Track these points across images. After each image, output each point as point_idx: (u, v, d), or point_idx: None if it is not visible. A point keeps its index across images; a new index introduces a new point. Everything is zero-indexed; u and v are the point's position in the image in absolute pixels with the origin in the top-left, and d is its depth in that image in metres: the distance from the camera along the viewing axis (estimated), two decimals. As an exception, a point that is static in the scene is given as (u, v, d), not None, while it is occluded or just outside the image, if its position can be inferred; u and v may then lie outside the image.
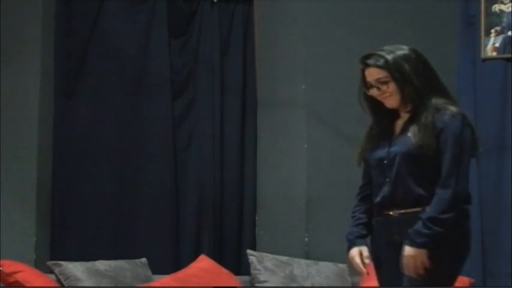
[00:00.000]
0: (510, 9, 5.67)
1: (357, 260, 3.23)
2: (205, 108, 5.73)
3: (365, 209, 3.31)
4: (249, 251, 5.23)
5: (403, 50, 3.18)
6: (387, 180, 3.16)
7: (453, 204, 3.07)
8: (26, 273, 4.58)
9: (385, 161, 3.17)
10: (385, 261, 3.22)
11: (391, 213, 3.17)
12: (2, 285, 4.52)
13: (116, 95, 5.60)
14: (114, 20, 5.62)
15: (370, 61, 3.19)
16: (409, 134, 3.14)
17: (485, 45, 5.71)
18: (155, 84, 5.64)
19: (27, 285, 4.50)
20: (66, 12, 5.54)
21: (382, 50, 3.19)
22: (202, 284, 4.91)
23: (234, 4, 5.84)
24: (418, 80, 3.14)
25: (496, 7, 5.69)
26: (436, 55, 5.58)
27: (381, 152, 3.19)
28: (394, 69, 3.14)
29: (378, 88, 3.18)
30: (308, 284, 5.07)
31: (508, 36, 5.64)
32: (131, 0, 5.65)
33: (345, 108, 5.49)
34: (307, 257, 5.25)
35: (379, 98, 3.21)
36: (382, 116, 3.25)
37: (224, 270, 5.11)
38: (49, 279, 4.69)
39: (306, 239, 5.37)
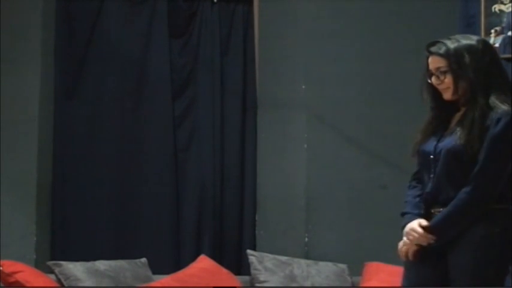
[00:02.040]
0: (510, 10, 5.64)
1: (415, 226, 3.11)
2: (205, 108, 5.73)
3: (415, 194, 3.24)
4: (249, 251, 5.25)
5: (469, 40, 3.13)
6: (431, 176, 3.14)
7: (471, 205, 3.04)
8: (26, 273, 4.58)
9: (432, 156, 3.15)
10: (420, 262, 3.16)
11: (432, 211, 3.14)
12: (2, 285, 4.53)
13: (116, 95, 5.61)
14: (114, 20, 5.64)
15: (433, 48, 3.15)
16: (457, 131, 3.10)
17: None
18: (155, 84, 5.65)
19: (28, 285, 4.51)
20: (66, 12, 5.56)
21: (450, 38, 3.15)
22: (202, 284, 4.91)
23: (234, 4, 5.84)
24: (476, 74, 3.08)
25: (496, 7, 5.66)
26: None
27: (430, 146, 3.16)
28: (454, 60, 3.09)
29: (438, 77, 3.14)
30: (308, 284, 5.06)
31: (508, 37, 5.61)
32: (131, 0, 5.66)
33: (345, 108, 5.52)
34: (307, 257, 5.26)
35: (439, 88, 3.16)
36: (442, 108, 3.20)
37: (224, 270, 5.12)
38: (49, 279, 4.69)
39: (306, 239, 5.37)
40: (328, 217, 5.31)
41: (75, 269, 4.76)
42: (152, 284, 4.86)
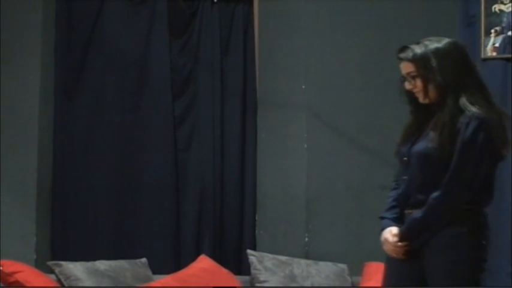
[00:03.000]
0: (510, 9, 5.66)
1: (387, 235, 3.18)
2: (206, 108, 5.73)
3: (396, 198, 3.27)
4: (249, 251, 5.25)
5: (437, 43, 3.16)
6: (404, 178, 3.18)
7: (442, 211, 3.07)
8: (26, 273, 4.58)
9: (405, 158, 3.18)
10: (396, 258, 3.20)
11: (406, 212, 3.18)
12: (2, 285, 4.53)
13: (116, 94, 5.62)
14: (115, 20, 5.64)
15: (402, 54, 3.17)
16: (430, 134, 3.11)
17: (485, 46, 5.70)
18: (155, 84, 5.66)
19: (28, 285, 4.50)
20: (66, 11, 5.55)
21: (418, 43, 3.17)
22: (203, 284, 4.90)
23: (234, 4, 5.84)
24: (443, 76, 3.09)
25: (496, 7, 5.67)
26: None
27: (405, 149, 3.20)
28: (420, 64, 3.12)
29: (410, 82, 3.16)
30: (308, 283, 5.07)
31: (508, 36, 5.64)
32: (131, 0, 5.67)
33: (345, 108, 5.53)
34: (307, 257, 5.26)
35: (414, 92, 3.18)
36: (421, 112, 3.21)
37: (224, 270, 5.12)
38: (49, 279, 4.69)
39: (306, 239, 5.39)
40: (328, 217, 5.31)
41: (75, 269, 4.75)
42: (152, 284, 4.85)
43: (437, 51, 3.12)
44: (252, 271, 5.09)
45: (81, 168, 5.51)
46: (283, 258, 5.17)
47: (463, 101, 3.06)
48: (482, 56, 5.68)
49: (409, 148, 3.17)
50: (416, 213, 3.09)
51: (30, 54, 5.38)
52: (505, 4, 5.66)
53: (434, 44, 3.15)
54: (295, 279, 5.05)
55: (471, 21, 5.73)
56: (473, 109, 3.04)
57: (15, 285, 4.51)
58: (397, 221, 3.19)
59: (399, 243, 3.13)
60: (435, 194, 3.04)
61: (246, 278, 5.14)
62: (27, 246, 5.16)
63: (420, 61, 3.11)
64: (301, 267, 5.14)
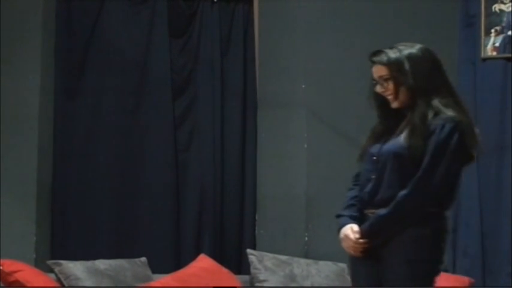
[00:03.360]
0: (510, 9, 5.69)
1: (348, 231, 3.20)
2: (206, 108, 5.74)
3: (352, 196, 3.31)
4: (249, 251, 5.25)
5: (410, 49, 3.20)
6: (373, 177, 3.19)
7: (407, 203, 3.09)
8: (26, 272, 4.57)
9: (375, 158, 3.20)
10: (358, 258, 3.22)
11: (366, 212, 3.20)
12: (2, 284, 4.54)
13: (116, 95, 5.62)
14: (115, 19, 5.64)
15: (376, 58, 3.22)
16: (401, 135, 3.15)
17: (485, 45, 5.73)
18: (155, 83, 5.66)
19: (28, 284, 4.49)
20: (66, 11, 5.55)
21: (392, 48, 3.21)
22: (202, 283, 4.90)
23: (234, 4, 5.84)
24: (416, 80, 3.14)
25: (496, 7, 5.71)
26: (437, 55, 5.66)
27: (375, 149, 3.22)
28: (394, 68, 3.16)
29: (382, 85, 3.20)
30: (308, 283, 5.07)
31: (508, 36, 5.67)
32: (131, 0, 5.67)
33: (345, 108, 5.54)
34: (306, 257, 5.26)
35: (385, 96, 3.23)
36: (389, 115, 3.25)
37: (224, 270, 5.12)
38: (49, 279, 4.68)
39: (306, 238, 5.39)
40: (328, 217, 5.22)
41: (75, 268, 4.74)
42: (152, 283, 4.86)
43: (410, 56, 3.16)
44: (252, 270, 5.10)
45: (81, 168, 5.51)
46: (283, 257, 5.17)
47: (436, 103, 3.12)
48: (483, 55, 5.72)
49: (379, 148, 3.19)
50: (381, 210, 3.11)
51: (30, 55, 5.38)
52: (505, 4, 5.69)
53: (408, 49, 3.19)
54: (295, 279, 5.06)
55: (471, 21, 5.76)
56: (449, 112, 3.09)
57: (15, 285, 4.50)
58: (355, 219, 3.22)
59: (360, 240, 3.15)
60: (403, 192, 3.07)
61: (246, 277, 5.15)
62: (27, 246, 5.16)
63: (394, 65, 3.16)
64: (301, 266, 5.14)
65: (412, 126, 3.12)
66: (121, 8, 5.65)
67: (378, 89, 3.22)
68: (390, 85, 3.19)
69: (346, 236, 3.18)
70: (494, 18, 5.71)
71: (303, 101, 5.54)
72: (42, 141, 5.35)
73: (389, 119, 3.25)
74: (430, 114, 3.11)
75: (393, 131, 3.22)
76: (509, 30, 5.66)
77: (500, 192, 5.61)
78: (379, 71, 3.21)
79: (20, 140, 5.31)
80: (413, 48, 3.20)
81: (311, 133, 5.50)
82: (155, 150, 5.64)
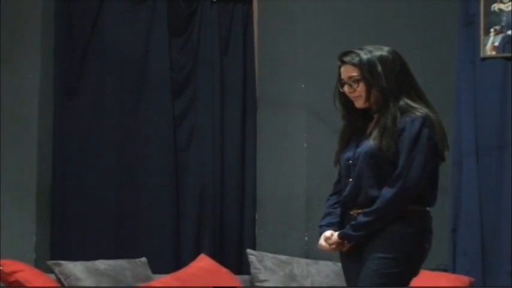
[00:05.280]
0: (510, 9, 5.68)
1: (328, 234, 3.22)
2: (205, 108, 5.74)
3: (333, 202, 3.32)
4: (248, 251, 5.26)
5: (381, 51, 3.20)
6: (350, 180, 3.20)
7: (392, 202, 3.10)
8: (26, 272, 4.58)
9: (350, 161, 3.21)
10: (347, 257, 3.26)
11: (351, 213, 3.20)
12: (2, 284, 4.53)
13: (116, 94, 5.62)
14: (114, 19, 5.64)
15: (347, 58, 3.20)
16: (373, 136, 3.16)
17: (485, 45, 5.72)
18: (155, 83, 5.67)
19: (28, 284, 4.50)
20: (66, 11, 5.55)
21: (362, 49, 3.21)
22: (202, 283, 4.90)
23: (234, 3, 5.84)
24: (387, 82, 3.15)
25: (496, 6, 5.69)
26: (437, 54, 5.73)
27: (349, 153, 3.23)
28: (366, 69, 3.16)
29: (350, 86, 3.19)
30: (308, 283, 5.06)
31: (508, 35, 5.66)
32: (131, 0, 5.68)
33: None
34: (306, 256, 5.26)
35: (350, 97, 3.22)
36: (356, 117, 3.26)
37: (224, 270, 5.13)
38: (49, 279, 4.68)
39: (306, 238, 5.37)
40: None
41: (75, 268, 4.74)
42: (152, 283, 4.86)
43: (381, 58, 3.16)
44: (252, 270, 5.10)
45: (80, 168, 5.51)
46: (283, 257, 5.18)
47: (405, 103, 3.14)
48: (482, 55, 5.72)
49: (353, 152, 3.20)
50: (367, 211, 3.12)
51: (30, 55, 5.37)
52: (505, 3, 5.68)
53: (379, 51, 3.19)
54: (295, 279, 5.07)
55: (471, 20, 5.74)
56: (417, 111, 3.11)
57: (15, 285, 4.51)
58: (334, 225, 3.24)
59: (333, 241, 3.18)
60: (387, 190, 3.08)
61: (246, 277, 5.16)
62: (27, 246, 5.15)
63: (366, 66, 3.16)
64: (301, 266, 5.15)
65: (383, 127, 3.13)
66: (120, 7, 5.65)
67: (346, 89, 3.21)
68: (360, 86, 3.18)
69: (321, 245, 3.23)
70: (493, 18, 5.69)
71: (303, 101, 5.55)
72: (41, 141, 5.35)
73: (355, 119, 3.27)
74: (399, 114, 3.13)
75: (362, 132, 3.24)
76: (508, 29, 5.65)
77: (500, 192, 5.61)
78: (349, 71, 3.20)
79: (20, 140, 5.31)
80: (383, 51, 3.21)
81: (311, 133, 5.50)
82: (155, 149, 5.64)
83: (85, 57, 5.56)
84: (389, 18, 5.66)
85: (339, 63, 3.23)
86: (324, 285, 5.08)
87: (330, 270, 5.11)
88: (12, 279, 4.52)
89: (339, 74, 3.23)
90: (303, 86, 5.55)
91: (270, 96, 5.76)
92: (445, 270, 5.25)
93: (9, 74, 5.30)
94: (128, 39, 5.65)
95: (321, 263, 5.13)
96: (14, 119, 5.30)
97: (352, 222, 3.16)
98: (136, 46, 5.67)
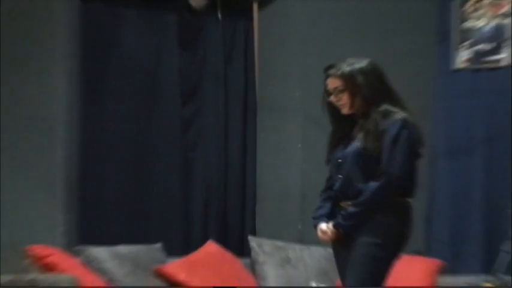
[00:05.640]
0: (478, 27, 5.77)
1: (324, 227, 3.30)
2: (211, 112, 5.83)
3: (326, 197, 3.40)
4: (250, 237, 5.42)
5: (361, 64, 3.26)
6: (340, 177, 3.29)
7: (378, 194, 3.16)
8: (56, 256, 4.67)
9: (340, 160, 3.29)
10: (338, 244, 3.32)
11: (342, 204, 3.28)
12: (35, 267, 4.62)
13: (131, 99, 5.64)
14: (131, 34, 5.66)
15: (331, 71, 3.27)
16: (358, 138, 3.24)
17: (457, 58, 5.83)
18: (167, 90, 5.72)
19: (57, 267, 4.58)
20: (90, 27, 5.52)
21: (344, 62, 3.27)
22: (210, 266, 5.02)
23: (236, 20, 5.94)
24: (368, 91, 3.22)
25: (467, 24, 5.80)
26: (416, 65, 5.85)
27: (339, 153, 3.31)
28: (348, 80, 3.23)
29: (336, 95, 3.26)
30: (301, 266, 5.15)
31: (476, 50, 5.78)
32: (146, 16, 5.70)
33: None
34: (300, 242, 5.37)
35: (337, 105, 3.29)
36: (342, 122, 3.33)
37: (228, 254, 5.23)
38: (76, 262, 4.77)
39: (299, 227, 5.50)
40: None
41: (99, 252, 4.86)
42: (166, 265, 4.96)
43: (362, 70, 3.23)
44: (253, 254, 5.24)
45: (102, 165, 5.51)
46: (280, 243, 5.32)
47: (385, 108, 3.22)
48: (454, 67, 5.85)
49: (342, 152, 3.28)
50: (356, 202, 3.19)
51: (58, 64, 5.30)
52: (475, 21, 5.77)
53: (359, 63, 3.26)
54: (290, 262, 5.18)
55: (445, 36, 5.86)
56: (396, 115, 3.21)
57: (47, 268, 4.60)
58: (324, 217, 3.33)
59: (329, 233, 3.27)
60: (374, 184, 3.17)
61: (247, 260, 5.28)
62: (57, 234, 5.09)
63: (349, 77, 3.22)
64: (295, 251, 5.26)
65: (366, 131, 3.20)
66: (136, 21, 5.67)
67: (332, 98, 3.27)
68: (345, 95, 3.24)
69: (322, 239, 3.34)
70: (464, 35, 5.78)
71: (298, 106, 5.64)
72: (68, 141, 5.29)
73: (342, 124, 3.33)
74: (380, 118, 3.19)
75: (349, 135, 3.29)
76: (477, 45, 5.75)
77: (470, 187, 5.72)
78: (334, 82, 3.26)
79: (49, 141, 5.25)
80: (363, 63, 3.26)
81: (305, 134, 5.60)
82: (166, 149, 5.67)
83: (105, 67, 5.56)
84: (374, 33, 5.74)
85: (324, 75, 3.30)
86: (315, 268, 5.13)
87: (321, 255, 5.18)
88: (44, 262, 4.60)
89: (325, 85, 3.30)
90: (297, 93, 5.66)
91: (269, 101, 5.87)
92: (420, 254, 5.31)
93: (42, 79, 5.25)
94: (142, 52, 5.67)
95: (313, 248, 5.20)
96: (43, 120, 5.25)
97: (343, 213, 3.21)
98: (150, 58, 5.69)
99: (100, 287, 4.72)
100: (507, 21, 5.69)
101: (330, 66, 3.31)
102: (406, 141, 3.19)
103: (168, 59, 5.78)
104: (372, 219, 3.19)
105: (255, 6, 5.93)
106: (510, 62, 5.67)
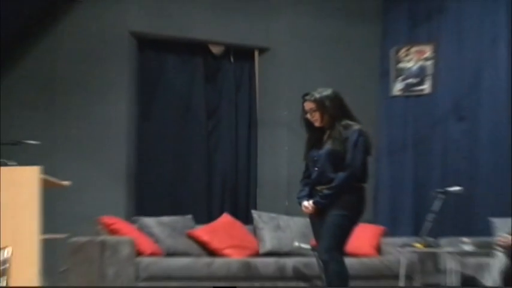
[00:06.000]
0: (408, 67, 5.70)
1: (306, 204, 3.28)
2: (226, 126, 5.77)
3: (305, 183, 3.36)
4: (253, 211, 5.27)
5: (327, 92, 3.24)
6: (316, 169, 3.27)
7: (345, 181, 3.14)
8: (119, 224, 4.60)
9: (316, 158, 3.27)
10: (314, 216, 3.31)
11: (318, 188, 3.26)
12: (104, 232, 4.50)
13: (172, 117, 5.58)
14: (172, 72, 5.59)
15: (307, 97, 3.26)
16: (328, 143, 3.22)
17: (393, 88, 5.78)
18: (196, 111, 5.65)
19: (120, 232, 4.50)
20: (143, 67, 5.46)
21: (316, 91, 3.25)
22: (226, 231, 4.84)
23: (243, 62, 5.83)
24: (333, 110, 3.21)
25: (401, 64, 5.73)
26: (367, 92, 5.81)
27: (314, 153, 3.29)
28: (319, 104, 3.22)
29: (311, 114, 3.26)
30: (288, 231, 4.90)
31: (407, 83, 5.72)
32: (182, 59, 5.60)
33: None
34: (287, 214, 5.24)
35: (312, 120, 3.27)
36: (315, 132, 3.30)
37: (238, 222, 5.09)
38: (133, 228, 4.71)
39: (286, 203, 5.41)
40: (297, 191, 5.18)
41: (149, 221, 4.76)
42: (195, 230, 4.86)
43: (328, 96, 3.20)
44: (254, 223, 5.09)
45: (152, 161, 5.45)
46: (273, 215, 5.18)
47: (345, 122, 3.21)
48: (391, 94, 5.77)
49: (317, 152, 3.24)
50: (329, 187, 3.14)
51: (121, 94, 5.25)
52: (406, 63, 5.72)
53: (326, 92, 3.23)
54: (280, 227, 5.02)
55: (386, 73, 5.82)
56: (353, 126, 3.22)
57: (112, 232, 4.51)
58: (305, 197, 3.28)
59: (310, 208, 3.23)
60: (341, 174, 3.16)
61: (251, 226, 5.14)
62: (120, 208, 5.06)
63: (319, 102, 3.20)
64: (284, 220, 5.11)
65: (333, 138, 3.19)
66: (175, 63, 5.59)
67: (308, 116, 3.25)
68: (316, 114, 3.22)
69: (305, 207, 3.29)
70: (399, 72, 5.74)
71: (285, 122, 5.55)
72: (128, 144, 5.27)
73: (314, 134, 3.29)
74: (342, 129, 3.19)
75: (320, 141, 3.24)
76: (408, 79, 5.71)
77: (404, 175, 5.66)
78: (309, 105, 3.23)
79: (115, 144, 5.17)
80: (329, 91, 3.24)
81: (289, 141, 5.51)
82: (196, 151, 5.62)
83: (154, 94, 5.52)
84: (338, 71, 5.62)
85: (302, 100, 3.28)
86: (297, 232, 4.89)
87: (301, 223, 4.97)
88: (110, 228, 4.54)
89: (303, 107, 3.28)
90: (285, 112, 5.57)
91: (266, 119, 5.77)
92: (370, 223, 5.22)
93: (110, 105, 5.20)
94: (179, 84, 5.61)
95: (296, 218, 5.07)
96: (113, 132, 5.18)
97: (320, 194, 3.18)
98: (184, 88, 5.62)
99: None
100: (428, 62, 5.68)
101: (306, 94, 3.27)
102: (362, 145, 3.16)
103: (197, 89, 5.72)
104: (339, 198, 3.16)
105: (256, 53, 5.85)
106: (430, 91, 5.65)
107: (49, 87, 5.09)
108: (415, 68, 5.70)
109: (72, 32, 5.11)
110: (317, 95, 3.23)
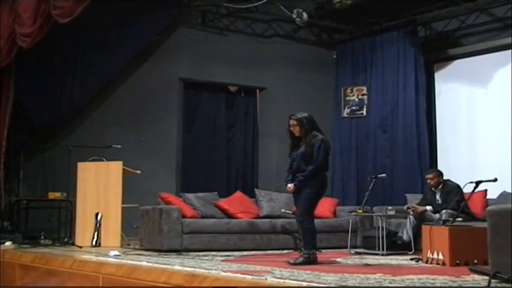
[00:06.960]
0: (353, 98, 5.66)
1: (290, 185, 3.17)
2: (239, 137, 5.75)
3: (289, 172, 3.25)
4: (255, 189, 4.94)
5: (304, 114, 3.18)
6: (295, 163, 3.18)
7: (313, 171, 3.07)
8: (171, 198, 4.34)
9: (295, 156, 3.18)
10: (294, 193, 3.20)
11: (298, 175, 3.15)
12: (162, 203, 4.27)
13: (207, 132, 5.60)
14: (206, 103, 5.62)
15: (292, 117, 3.19)
16: (302, 147, 3.14)
17: (343, 112, 5.71)
18: (220, 128, 5.66)
19: (172, 203, 4.22)
20: (187, 100, 5.48)
21: (297, 113, 3.18)
22: (239, 203, 4.58)
23: (250, 97, 5.80)
24: (307, 126, 3.14)
25: (348, 97, 5.69)
26: (326, 114, 5.71)
27: (294, 153, 3.20)
28: (299, 121, 3.15)
29: (293, 127, 3.18)
30: (277, 202, 4.56)
31: (351, 109, 5.68)
32: (212, 95, 5.60)
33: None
34: (277, 191, 4.85)
35: (293, 132, 3.18)
36: (295, 139, 3.21)
37: (246, 197, 4.77)
38: (180, 201, 4.36)
39: (276, 184, 5.28)
40: (284, 178, 5.08)
41: (190, 196, 4.49)
42: (219, 202, 4.54)
43: (305, 117, 3.14)
44: (256, 196, 4.76)
45: (193, 158, 5.41)
46: (268, 192, 4.84)
47: (314, 133, 3.13)
48: (342, 116, 5.70)
49: (295, 153, 3.16)
50: (303, 174, 3.08)
51: (173, 118, 5.31)
52: (351, 97, 5.67)
53: (304, 114, 3.16)
54: (272, 200, 4.74)
55: (338, 101, 5.74)
56: (318, 136, 3.13)
57: (167, 203, 4.26)
58: (290, 181, 3.17)
59: (292, 188, 3.13)
60: (310, 167, 3.08)
61: (254, 199, 4.74)
62: (172, 187, 5.08)
63: (299, 120, 3.14)
64: (275, 196, 4.78)
65: (306, 144, 3.11)
66: (208, 97, 5.60)
67: (291, 129, 3.17)
68: (297, 127, 3.15)
69: (289, 188, 3.17)
70: (347, 101, 5.70)
71: (276, 133, 5.50)
72: (177, 149, 5.29)
73: (294, 140, 3.20)
74: (311, 138, 3.11)
75: (298, 145, 3.18)
76: (352, 107, 5.67)
77: (349, 168, 5.60)
78: (292, 122, 3.17)
79: (169, 149, 5.24)
80: (305, 114, 3.17)
81: (279, 145, 5.43)
82: (220, 151, 5.62)
83: (193, 118, 5.55)
84: (311, 100, 5.51)
85: (288, 118, 3.20)
86: (284, 203, 4.49)
87: (286, 197, 4.50)
88: (165, 200, 4.27)
89: (289, 123, 3.18)
90: (276, 128, 5.52)
91: (264, 132, 5.73)
92: (329, 197, 4.87)
93: (164, 125, 5.23)
94: (211, 112, 5.64)
95: (283, 194, 4.55)
96: (168, 140, 5.21)
97: (298, 179, 3.09)
98: (212, 113, 5.65)
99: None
100: (365, 97, 5.64)
101: (291, 115, 3.19)
102: (323, 148, 3.09)
103: (220, 114, 5.76)
104: (310, 181, 3.09)
105: (258, 91, 5.81)
106: (366, 114, 5.61)
107: (128, 112, 5.20)
108: (356, 100, 5.70)
109: (143, 77, 5.28)
110: (298, 116, 3.17)
